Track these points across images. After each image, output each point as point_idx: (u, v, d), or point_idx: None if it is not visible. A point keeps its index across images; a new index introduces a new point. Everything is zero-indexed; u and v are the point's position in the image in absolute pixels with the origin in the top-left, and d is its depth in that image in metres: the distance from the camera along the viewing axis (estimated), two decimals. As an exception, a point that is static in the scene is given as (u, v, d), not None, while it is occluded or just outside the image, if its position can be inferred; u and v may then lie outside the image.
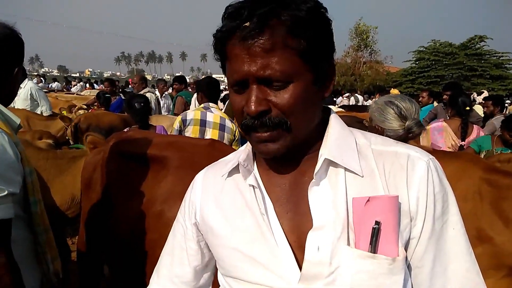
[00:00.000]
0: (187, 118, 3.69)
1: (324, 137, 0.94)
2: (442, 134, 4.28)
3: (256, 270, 0.92)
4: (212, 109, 3.75)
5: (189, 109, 6.51)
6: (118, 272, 2.21)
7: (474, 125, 4.33)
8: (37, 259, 1.54)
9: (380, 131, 2.26)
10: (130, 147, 2.28)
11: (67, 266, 1.82)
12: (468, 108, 4.22)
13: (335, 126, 0.96)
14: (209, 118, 3.68)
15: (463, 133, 4.15)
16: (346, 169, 0.90)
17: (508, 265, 2.38)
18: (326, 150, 0.91)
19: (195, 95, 6.00)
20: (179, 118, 3.79)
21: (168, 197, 1.94)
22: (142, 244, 1.93)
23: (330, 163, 0.91)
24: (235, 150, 1.18)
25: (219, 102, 6.66)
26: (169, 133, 3.95)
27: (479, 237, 2.57)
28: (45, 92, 8.91)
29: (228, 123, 3.74)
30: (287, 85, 0.84)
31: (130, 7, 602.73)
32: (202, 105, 3.80)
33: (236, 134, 3.80)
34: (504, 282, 2.34)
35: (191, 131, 3.63)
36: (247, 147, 1.03)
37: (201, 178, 1.12)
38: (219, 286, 1.07)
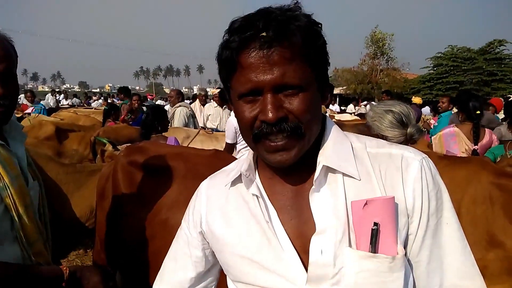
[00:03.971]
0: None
1: (322, 144, 0.99)
2: (455, 139, 4.24)
3: (265, 274, 0.96)
4: None
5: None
6: (128, 278, 2.28)
7: (487, 129, 4.28)
8: None
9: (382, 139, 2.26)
10: (139, 158, 2.37)
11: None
12: (478, 112, 4.17)
13: (331, 131, 1.01)
14: None
15: (475, 137, 4.11)
16: (344, 174, 0.95)
17: (521, 270, 2.35)
18: (324, 157, 0.95)
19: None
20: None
21: (173, 205, 2.01)
22: (149, 250, 1.99)
23: (328, 169, 0.95)
24: (237, 159, 1.22)
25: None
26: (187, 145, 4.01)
27: (491, 242, 2.54)
28: (66, 107, 9.25)
29: None
30: (298, 92, 0.89)
31: (147, 22, 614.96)
32: None
33: None
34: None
35: None
36: (248, 157, 1.06)
37: (205, 188, 1.15)
38: None
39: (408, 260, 0.95)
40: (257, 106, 0.90)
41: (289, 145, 0.90)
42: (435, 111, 9.84)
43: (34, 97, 10.94)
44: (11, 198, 1.39)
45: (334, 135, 1.00)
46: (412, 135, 2.25)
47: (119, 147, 4.76)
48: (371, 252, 0.88)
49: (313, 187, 0.93)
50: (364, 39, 37.03)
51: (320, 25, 0.93)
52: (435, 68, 33.98)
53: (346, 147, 0.99)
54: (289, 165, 0.93)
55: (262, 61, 0.86)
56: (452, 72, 32.16)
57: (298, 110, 0.89)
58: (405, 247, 0.94)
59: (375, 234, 0.88)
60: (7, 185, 1.39)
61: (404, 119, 2.27)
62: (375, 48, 36.41)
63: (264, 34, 0.86)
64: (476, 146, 4.14)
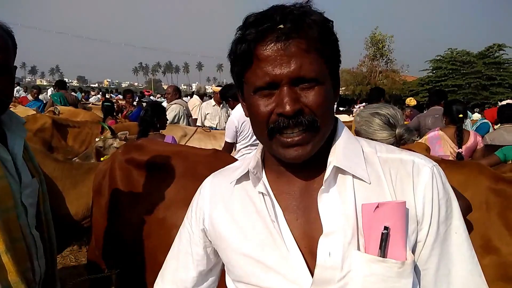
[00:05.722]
0: None
1: (332, 145, 0.97)
2: (440, 142, 4.32)
3: (268, 275, 0.94)
4: None
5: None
6: (124, 276, 2.27)
7: (471, 131, 4.37)
8: None
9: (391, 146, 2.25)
10: (137, 156, 2.35)
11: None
12: (461, 115, 4.28)
13: (342, 134, 1.00)
14: None
15: (459, 140, 4.19)
16: (354, 176, 0.94)
17: (515, 276, 2.35)
18: (335, 158, 0.94)
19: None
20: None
21: (171, 204, 2.00)
22: (145, 249, 1.98)
23: (338, 170, 0.94)
24: (237, 159, 1.21)
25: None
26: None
27: (487, 247, 2.55)
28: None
29: None
30: (314, 86, 0.89)
31: (148, 19, 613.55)
32: None
33: None
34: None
35: None
36: (256, 155, 1.04)
37: (208, 185, 1.13)
38: None
39: (416, 268, 0.93)
40: (272, 100, 0.90)
41: (305, 140, 0.90)
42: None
43: (39, 93, 10.88)
44: None
45: (345, 137, 1.00)
46: (401, 135, 2.24)
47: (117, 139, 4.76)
48: (380, 256, 0.86)
49: (323, 187, 0.92)
50: (363, 40, 37.10)
51: (332, 22, 0.93)
52: (434, 71, 34.03)
53: (357, 150, 0.98)
54: (303, 161, 0.92)
55: (280, 54, 0.86)
56: (451, 75, 32.22)
57: (314, 104, 0.88)
58: (413, 254, 0.92)
59: (385, 238, 0.86)
60: None
61: (391, 120, 2.26)
62: (374, 50, 36.50)
63: (281, 26, 0.86)
64: (460, 149, 4.20)
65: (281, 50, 0.86)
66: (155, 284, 1.20)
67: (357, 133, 2.37)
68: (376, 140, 2.22)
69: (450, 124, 4.41)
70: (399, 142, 2.28)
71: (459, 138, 4.19)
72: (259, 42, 0.87)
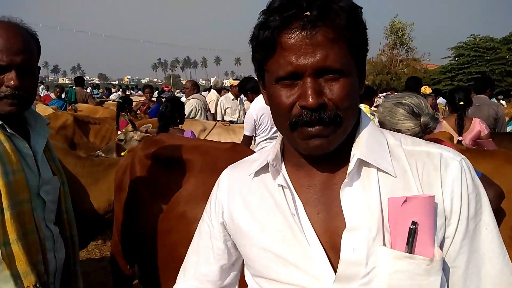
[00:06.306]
0: None
1: (356, 137, 0.94)
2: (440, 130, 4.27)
3: (288, 270, 0.92)
4: None
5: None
6: (145, 270, 2.29)
7: (476, 119, 4.30)
8: None
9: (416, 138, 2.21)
10: (156, 151, 2.36)
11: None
12: (462, 103, 4.25)
13: (366, 125, 0.96)
14: None
15: (459, 128, 4.16)
16: (378, 169, 0.90)
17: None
18: (359, 150, 0.91)
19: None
20: None
21: (190, 198, 2.00)
22: (165, 243, 1.99)
23: (362, 163, 0.90)
24: (255, 152, 1.19)
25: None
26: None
27: (515, 238, 2.47)
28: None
29: None
30: (339, 78, 0.85)
31: (166, 15, 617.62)
32: None
33: None
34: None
35: None
36: (275, 147, 1.01)
37: (226, 178, 1.11)
38: (247, 286, 1.07)
39: (444, 265, 0.89)
40: (295, 91, 0.86)
41: (327, 132, 0.86)
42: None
43: (62, 93, 11.13)
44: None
45: (370, 129, 0.95)
46: (426, 124, 2.19)
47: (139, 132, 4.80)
48: (408, 252, 0.83)
49: (346, 180, 0.88)
50: (383, 29, 36.49)
51: (361, 9, 0.89)
52: (456, 58, 33.34)
53: (382, 142, 0.94)
54: (324, 153, 0.89)
55: (305, 42, 0.82)
56: (474, 62, 31.50)
57: (338, 97, 0.85)
58: (440, 250, 0.88)
59: (412, 234, 0.82)
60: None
61: (415, 110, 2.21)
62: (394, 38, 35.92)
63: (308, 13, 0.82)
64: (460, 137, 4.16)
65: (306, 39, 0.82)
66: (177, 279, 1.19)
67: (381, 124, 2.32)
68: (400, 130, 2.18)
69: (452, 112, 4.40)
70: (425, 131, 2.23)
71: (460, 126, 4.17)
72: (284, 29, 0.83)
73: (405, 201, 0.84)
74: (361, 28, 0.88)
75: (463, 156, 0.92)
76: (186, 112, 6.83)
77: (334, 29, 0.83)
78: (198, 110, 6.98)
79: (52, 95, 11.57)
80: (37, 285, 1.41)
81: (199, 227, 1.17)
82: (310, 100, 0.83)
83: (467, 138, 4.13)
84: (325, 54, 0.82)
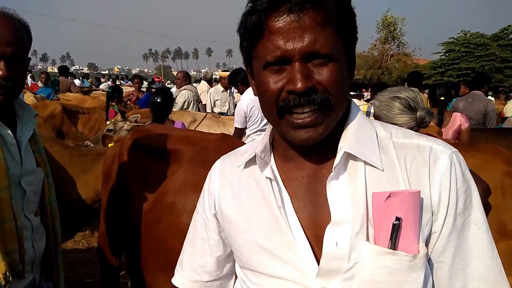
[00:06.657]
0: None
1: (344, 129, 0.92)
2: None
3: (273, 263, 0.91)
4: None
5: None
6: (133, 261, 2.28)
7: (457, 113, 4.42)
8: None
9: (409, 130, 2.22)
10: (145, 140, 2.34)
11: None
12: (443, 98, 4.39)
13: (355, 117, 0.94)
14: None
15: (439, 122, 4.23)
16: (366, 162, 0.88)
17: (531, 262, 2.30)
18: (346, 143, 0.89)
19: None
20: None
21: (179, 189, 1.98)
22: (154, 233, 1.98)
23: (349, 156, 0.89)
24: (245, 143, 1.18)
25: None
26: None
27: (502, 232, 2.51)
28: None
29: None
30: (328, 62, 0.83)
31: (156, 5, 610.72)
32: None
33: None
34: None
35: None
36: (264, 138, 1.01)
37: (217, 168, 1.11)
38: None
39: (429, 261, 0.88)
40: (283, 77, 0.84)
41: (316, 121, 0.84)
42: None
43: (48, 79, 10.95)
44: None
45: (359, 120, 0.94)
46: (422, 118, 2.20)
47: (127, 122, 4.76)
48: (391, 248, 0.82)
49: (332, 173, 0.87)
50: (375, 23, 36.55)
51: None
52: (447, 54, 33.51)
53: (371, 135, 0.92)
54: (313, 145, 0.88)
55: (293, 26, 0.81)
56: (464, 58, 31.70)
57: (328, 81, 0.83)
58: (426, 246, 0.86)
59: (396, 230, 0.82)
60: None
61: (411, 104, 2.22)
62: (386, 33, 36.01)
63: None
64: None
65: (295, 22, 0.81)
66: (175, 272, 1.18)
67: (377, 118, 2.33)
68: (397, 124, 2.18)
69: (433, 107, 4.46)
70: (421, 125, 2.24)
71: (439, 120, 4.25)
72: (271, 12, 0.82)
73: (389, 196, 0.83)
74: (350, 13, 0.87)
75: (454, 149, 0.90)
76: (179, 103, 6.78)
77: (322, 13, 0.82)
78: (191, 101, 6.95)
79: (39, 83, 11.40)
80: (7, 274, 1.40)
81: (193, 219, 1.16)
82: (299, 84, 0.81)
83: (448, 133, 4.20)
84: (314, 38, 0.81)
